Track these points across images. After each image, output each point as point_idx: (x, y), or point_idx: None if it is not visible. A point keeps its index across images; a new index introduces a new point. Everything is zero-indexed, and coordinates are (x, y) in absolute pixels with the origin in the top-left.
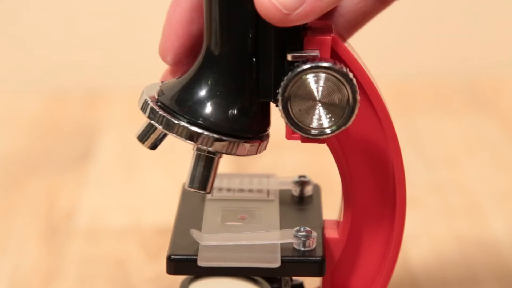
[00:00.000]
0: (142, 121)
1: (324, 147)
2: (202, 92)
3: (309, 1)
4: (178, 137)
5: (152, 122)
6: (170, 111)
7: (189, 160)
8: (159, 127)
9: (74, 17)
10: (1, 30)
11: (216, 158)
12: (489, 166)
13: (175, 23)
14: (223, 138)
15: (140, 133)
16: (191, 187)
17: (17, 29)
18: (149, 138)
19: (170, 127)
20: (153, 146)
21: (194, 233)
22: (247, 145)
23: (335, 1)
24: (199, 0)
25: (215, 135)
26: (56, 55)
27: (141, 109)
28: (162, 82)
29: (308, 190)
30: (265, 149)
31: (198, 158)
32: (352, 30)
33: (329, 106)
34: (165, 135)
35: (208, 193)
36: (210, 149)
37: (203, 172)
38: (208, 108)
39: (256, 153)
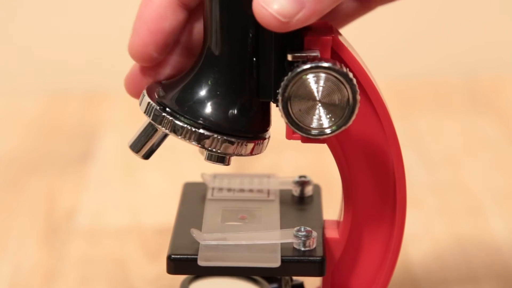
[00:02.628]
0: (143, 121)
1: (324, 147)
2: (203, 92)
3: (308, 5)
4: (187, 140)
5: (156, 125)
6: (172, 112)
7: (189, 160)
8: (164, 130)
9: (74, 18)
10: (1, 30)
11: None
12: (489, 166)
13: (148, 18)
14: (232, 140)
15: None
16: (131, 148)
17: (17, 29)
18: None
19: (176, 130)
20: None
21: (195, 232)
22: (251, 145)
23: (334, 2)
24: None
25: (224, 137)
26: (56, 55)
27: (145, 112)
28: (162, 81)
29: (309, 190)
30: (264, 149)
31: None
32: (339, 26)
33: (329, 106)
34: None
35: (145, 158)
36: (187, 141)
37: (145, 140)
38: (208, 108)
39: (258, 153)
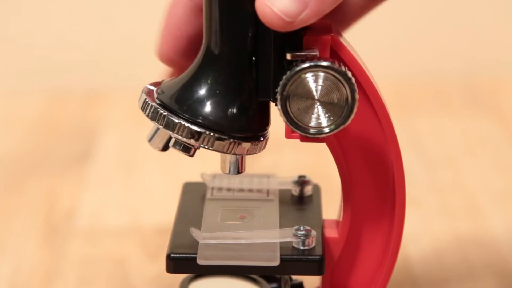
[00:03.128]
0: (142, 121)
1: (323, 147)
2: (202, 91)
3: (311, 5)
4: (179, 136)
5: (154, 122)
6: (170, 109)
7: (188, 160)
8: (160, 127)
9: (74, 17)
10: (1, 30)
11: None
12: (489, 166)
13: (172, 25)
14: (223, 137)
15: (150, 136)
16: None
17: (17, 29)
18: (160, 140)
19: (169, 126)
20: (164, 148)
21: (194, 231)
22: (247, 144)
23: (336, 1)
24: (196, 2)
25: (216, 134)
26: (56, 55)
27: (141, 108)
28: (162, 80)
29: (308, 190)
30: (264, 148)
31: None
32: (351, 22)
33: (327, 105)
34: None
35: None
36: (179, 137)
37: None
38: (208, 107)
39: (256, 152)
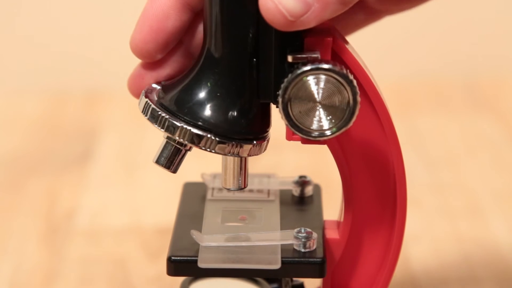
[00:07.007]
0: (142, 121)
1: (324, 147)
2: (202, 94)
3: (314, 9)
4: (181, 140)
5: (155, 125)
6: (170, 112)
7: (188, 160)
8: (160, 129)
9: (74, 17)
10: (1, 30)
11: (183, 150)
12: (489, 166)
13: (151, 16)
14: (225, 140)
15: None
16: (157, 163)
17: (17, 29)
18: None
19: (170, 129)
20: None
21: (195, 234)
22: (248, 146)
23: (338, 10)
24: None
25: (217, 138)
26: (56, 55)
27: (142, 111)
28: (161, 82)
29: (309, 190)
30: (265, 150)
31: (166, 145)
32: (349, 32)
33: (329, 108)
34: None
35: (173, 172)
36: (181, 140)
37: (170, 158)
38: (208, 110)
39: (258, 154)
